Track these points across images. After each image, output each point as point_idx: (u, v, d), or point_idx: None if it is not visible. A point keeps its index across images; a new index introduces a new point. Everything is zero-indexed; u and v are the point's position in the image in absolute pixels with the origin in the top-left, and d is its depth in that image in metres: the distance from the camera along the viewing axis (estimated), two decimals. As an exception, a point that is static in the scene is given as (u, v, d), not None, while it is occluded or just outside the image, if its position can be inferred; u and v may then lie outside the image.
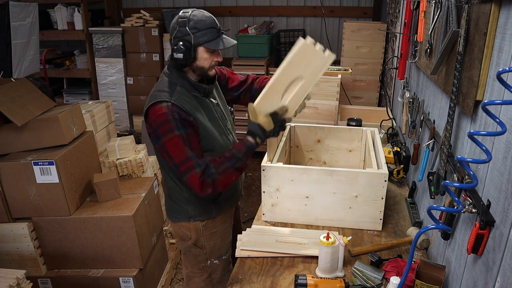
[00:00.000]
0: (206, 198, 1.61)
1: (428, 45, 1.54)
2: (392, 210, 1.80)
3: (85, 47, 4.55)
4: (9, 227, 2.03)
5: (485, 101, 0.83)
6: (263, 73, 4.07)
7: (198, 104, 1.54)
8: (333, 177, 1.58)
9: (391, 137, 2.35)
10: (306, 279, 1.27)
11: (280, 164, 1.64)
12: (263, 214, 1.71)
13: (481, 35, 1.03)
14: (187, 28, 1.46)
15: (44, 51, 4.31)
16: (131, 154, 2.52)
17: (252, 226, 1.66)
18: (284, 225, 1.70)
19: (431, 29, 1.48)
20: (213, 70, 1.59)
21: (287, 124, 1.55)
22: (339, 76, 2.82)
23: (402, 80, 2.26)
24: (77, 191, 2.12)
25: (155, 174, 2.70)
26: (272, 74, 1.47)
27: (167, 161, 1.52)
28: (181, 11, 1.51)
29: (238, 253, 1.51)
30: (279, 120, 1.47)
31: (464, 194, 1.10)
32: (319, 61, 1.41)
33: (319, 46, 1.40)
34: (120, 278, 2.12)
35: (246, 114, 1.51)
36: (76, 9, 4.46)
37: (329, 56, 1.41)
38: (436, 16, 1.40)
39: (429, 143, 1.48)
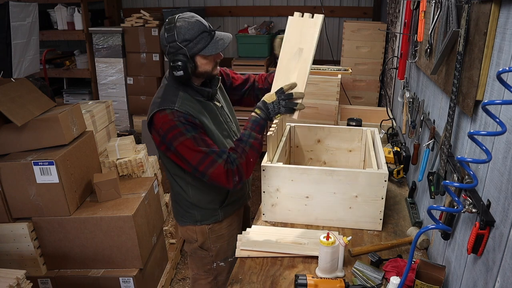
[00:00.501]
0: (215, 201, 1.62)
1: (428, 45, 1.54)
2: (392, 210, 1.79)
3: (85, 47, 4.55)
4: (9, 227, 2.03)
5: (485, 101, 0.83)
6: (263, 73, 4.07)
7: (202, 108, 1.53)
8: (333, 177, 1.58)
9: (391, 137, 2.35)
10: (306, 279, 1.27)
11: (280, 164, 1.64)
12: (263, 214, 1.71)
13: (481, 35, 1.03)
14: (177, 43, 1.42)
15: (44, 51, 4.31)
16: (131, 154, 2.52)
17: (252, 226, 1.66)
18: (284, 225, 1.70)
19: (431, 29, 1.48)
20: (217, 69, 1.58)
21: (298, 101, 1.49)
22: (339, 76, 2.82)
23: (402, 80, 2.26)
24: (77, 191, 2.12)
25: (155, 174, 2.70)
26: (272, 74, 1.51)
27: (183, 165, 1.50)
28: (165, 23, 1.45)
29: (238, 253, 1.51)
30: (283, 93, 1.47)
31: (464, 194, 1.10)
32: (311, 27, 1.50)
33: (307, 15, 1.50)
34: (120, 278, 2.12)
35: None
36: (76, 9, 4.46)
37: (317, 18, 1.49)
38: (436, 16, 1.39)
39: (429, 143, 1.48)
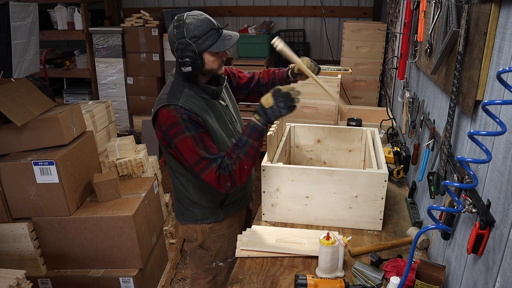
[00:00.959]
0: (216, 200, 1.62)
1: (428, 45, 1.54)
2: (392, 210, 1.79)
3: (85, 47, 4.55)
4: (9, 227, 2.03)
5: (485, 101, 0.83)
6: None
7: (206, 106, 1.53)
8: (333, 177, 1.58)
9: (391, 137, 2.35)
10: (306, 279, 1.27)
11: (280, 164, 1.64)
12: (263, 214, 1.71)
13: (481, 35, 1.03)
14: (186, 39, 1.43)
15: (44, 51, 4.32)
16: (131, 154, 2.52)
17: (252, 226, 1.66)
18: (284, 225, 1.70)
19: (431, 29, 1.48)
20: (222, 68, 1.58)
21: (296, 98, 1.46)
22: (339, 76, 2.82)
23: (402, 80, 2.26)
24: (77, 191, 2.12)
25: (155, 174, 2.70)
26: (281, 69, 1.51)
27: (183, 162, 1.51)
28: (174, 20, 1.46)
29: (238, 253, 1.51)
30: (280, 95, 1.43)
31: (464, 194, 1.10)
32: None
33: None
34: (120, 278, 2.12)
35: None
36: (76, 9, 4.46)
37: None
38: (436, 16, 1.39)
39: (429, 143, 1.48)
